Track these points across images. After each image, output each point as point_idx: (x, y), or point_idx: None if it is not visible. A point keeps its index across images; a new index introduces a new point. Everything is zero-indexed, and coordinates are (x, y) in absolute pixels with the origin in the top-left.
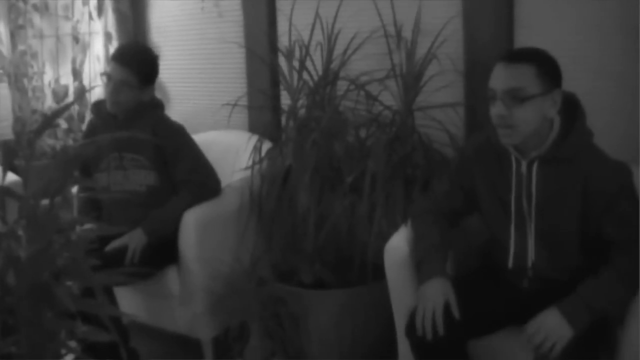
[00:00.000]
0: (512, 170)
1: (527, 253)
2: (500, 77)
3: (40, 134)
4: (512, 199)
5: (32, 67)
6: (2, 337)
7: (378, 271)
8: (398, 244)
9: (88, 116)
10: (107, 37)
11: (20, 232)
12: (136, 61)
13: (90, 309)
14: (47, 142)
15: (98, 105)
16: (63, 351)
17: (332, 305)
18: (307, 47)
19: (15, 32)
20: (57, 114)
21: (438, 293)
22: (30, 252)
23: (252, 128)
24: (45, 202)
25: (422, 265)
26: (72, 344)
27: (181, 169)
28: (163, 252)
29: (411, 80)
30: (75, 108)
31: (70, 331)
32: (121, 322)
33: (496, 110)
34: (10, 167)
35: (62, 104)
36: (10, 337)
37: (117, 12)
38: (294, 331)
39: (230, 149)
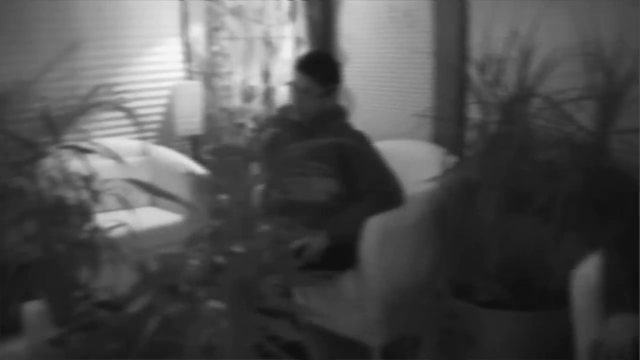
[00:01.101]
0: None
1: None
2: None
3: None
4: None
5: (223, 67)
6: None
7: (560, 297)
8: (588, 272)
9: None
10: (297, 41)
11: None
12: (319, 69)
13: (288, 307)
14: (233, 139)
15: (283, 111)
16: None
17: (509, 327)
18: (502, 61)
19: (211, 34)
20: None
21: (628, 329)
22: (242, 248)
23: (435, 140)
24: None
25: (612, 296)
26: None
27: (366, 177)
28: (341, 256)
29: (610, 102)
30: (262, 109)
31: (263, 328)
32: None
33: None
34: (198, 160)
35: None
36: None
37: (309, 17)
38: (467, 349)
39: (411, 160)
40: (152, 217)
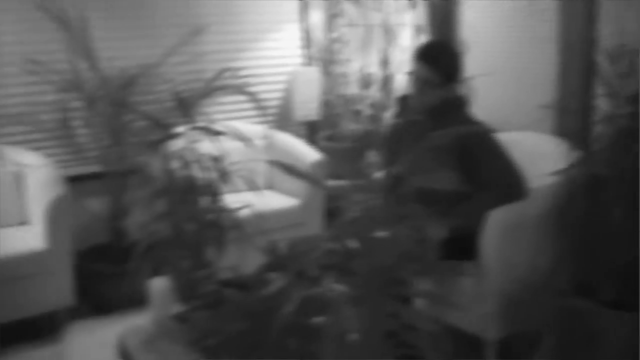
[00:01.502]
0: None
1: None
2: None
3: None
4: None
5: (341, 54)
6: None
7: None
8: None
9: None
10: (417, 29)
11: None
12: (440, 59)
13: (425, 295)
14: (350, 126)
15: (404, 100)
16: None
17: (632, 329)
18: (637, 52)
19: (330, 20)
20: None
21: None
22: (385, 233)
23: (558, 132)
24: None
25: None
26: None
27: (488, 169)
28: (461, 248)
29: None
30: (380, 96)
31: (396, 315)
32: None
33: None
34: (315, 145)
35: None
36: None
37: (430, 5)
38: (587, 350)
39: (534, 153)
40: (270, 199)
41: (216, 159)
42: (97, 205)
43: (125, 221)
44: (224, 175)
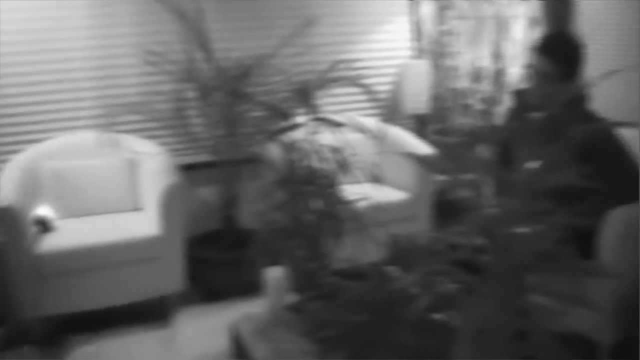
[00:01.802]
0: None
1: None
2: None
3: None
4: None
5: (452, 46)
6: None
7: None
8: None
9: (505, 100)
10: (531, 21)
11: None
12: (562, 52)
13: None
14: (460, 120)
15: (520, 95)
16: None
17: None
18: None
19: (440, 12)
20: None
21: None
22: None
23: None
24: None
25: None
26: None
27: (611, 167)
28: (579, 247)
29: None
30: (491, 90)
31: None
32: None
33: None
34: (424, 139)
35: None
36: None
37: None
38: None
39: None
40: (380, 192)
41: (336, 150)
42: (208, 193)
43: (236, 209)
44: (344, 167)
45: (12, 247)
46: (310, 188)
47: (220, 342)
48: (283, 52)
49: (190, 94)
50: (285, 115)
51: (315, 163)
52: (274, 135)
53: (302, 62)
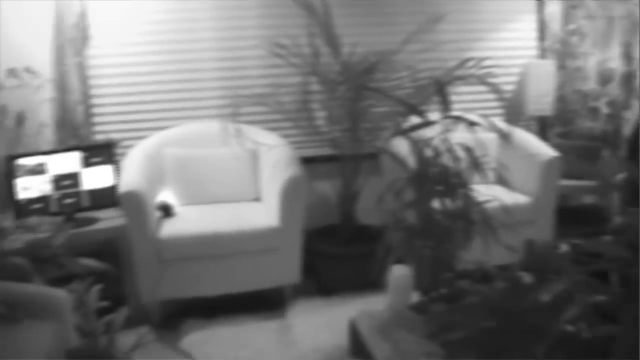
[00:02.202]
0: None
1: None
2: None
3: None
4: None
5: (579, 47)
6: None
7: None
8: None
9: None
10: None
11: None
12: None
13: None
14: (586, 124)
15: None
16: None
17: None
18: None
19: (567, 11)
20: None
21: None
22: None
23: None
24: None
25: None
26: None
27: None
28: None
29: None
30: (620, 93)
31: None
32: None
33: None
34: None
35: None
36: None
37: None
38: None
39: None
40: (501, 195)
41: (468, 149)
42: (327, 187)
43: (355, 205)
44: (476, 167)
45: (136, 230)
46: (441, 187)
47: (335, 337)
48: (408, 49)
49: (315, 88)
50: (419, 112)
51: (447, 162)
52: (405, 131)
53: (427, 59)
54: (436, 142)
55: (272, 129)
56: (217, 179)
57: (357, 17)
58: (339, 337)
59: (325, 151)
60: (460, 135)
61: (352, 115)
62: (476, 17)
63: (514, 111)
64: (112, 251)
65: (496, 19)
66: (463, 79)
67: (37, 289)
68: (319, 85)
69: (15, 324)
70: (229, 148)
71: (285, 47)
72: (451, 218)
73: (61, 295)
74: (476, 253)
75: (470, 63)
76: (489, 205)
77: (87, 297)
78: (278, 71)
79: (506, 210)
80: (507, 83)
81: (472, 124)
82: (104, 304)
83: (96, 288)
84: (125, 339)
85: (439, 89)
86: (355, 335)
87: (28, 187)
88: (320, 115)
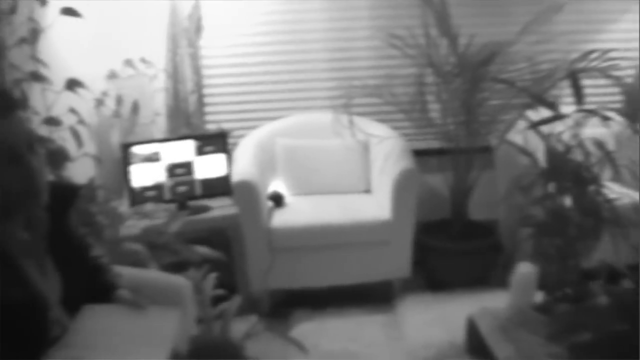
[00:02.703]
0: None
1: None
2: None
3: None
4: None
5: None
6: None
7: None
8: None
9: None
10: None
11: None
12: None
13: None
14: None
15: None
16: None
17: None
18: None
19: None
20: None
21: None
22: None
23: None
24: None
25: None
26: None
27: None
28: None
29: None
30: None
31: None
32: None
33: None
34: None
35: None
36: None
37: None
38: None
39: None
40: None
41: (601, 145)
42: (437, 180)
43: (467, 199)
44: (609, 163)
45: (248, 220)
46: (570, 183)
47: (446, 334)
48: (525, 39)
49: (430, 79)
50: (550, 105)
51: (579, 157)
52: (535, 124)
53: (544, 50)
54: (566, 136)
55: (383, 121)
56: (327, 170)
57: (473, 7)
58: (450, 334)
59: (436, 144)
60: (589, 130)
61: (468, 108)
62: (595, 7)
63: (635, 106)
64: (221, 240)
65: (615, 10)
66: (586, 72)
67: (159, 275)
68: (434, 77)
69: (140, 310)
70: (340, 139)
71: (401, 38)
72: (582, 215)
73: (183, 282)
74: (603, 253)
75: (593, 55)
76: (619, 203)
77: (204, 285)
78: (392, 62)
79: (637, 208)
80: (627, 76)
81: (605, 118)
82: (220, 292)
83: (212, 276)
84: (235, 327)
85: (573, 81)
86: (473, 333)
87: (143, 175)
88: (434, 107)
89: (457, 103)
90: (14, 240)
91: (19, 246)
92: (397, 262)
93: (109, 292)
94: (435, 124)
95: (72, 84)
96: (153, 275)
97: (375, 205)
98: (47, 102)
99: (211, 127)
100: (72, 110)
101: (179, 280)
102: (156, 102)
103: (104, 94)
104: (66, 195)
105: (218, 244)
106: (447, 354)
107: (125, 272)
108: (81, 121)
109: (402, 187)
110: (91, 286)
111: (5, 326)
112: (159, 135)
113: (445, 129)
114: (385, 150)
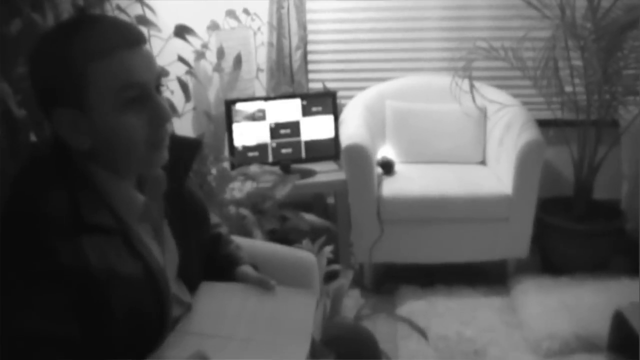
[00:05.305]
0: None
1: None
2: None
3: None
4: None
5: None
6: None
7: None
8: None
9: None
10: None
11: None
12: None
13: None
14: None
15: None
16: None
17: None
18: None
19: None
20: None
21: None
22: None
23: None
24: None
25: None
26: None
27: None
28: None
29: None
30: None
31: None
32: None
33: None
34: None
35: None
36: None
37: None
38: None
39: None
40: None
41: None
42: (559, 155)
43: (593, 177)
44: None
45: (358, 187)
46: None
47: (569, 325)
48: None
49: (563, 44)
50: None
51: None
52: None
53: None
54: None
55: (501, 87)
56: (440, 138)
57: None
58: (576, 325)
59: (559, 114)
60: None
61: (603, 77)
62: None
63: None
64: (321, 206)
65: None
66: None
67: (284, 249)
68: (569, 41)
69: (269, 291)
70: (455, 104)
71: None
72: None
73: (312, 259)
74: None
75: None
76: None
77: (319, 259)
78: (515, 23)
79: None
80: None
81: None
82: (336, 267)
83: (328, 249)
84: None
85: None
86: (622, 329)
87: (245, 134)
88: (564, 74)
89: (591, 71)
90: (130, 202)
91: (134, 210)
92: (515, 241)
93: (231, 268)
94: (564, 92)
95: (181, 31)
96: (277, 248)
97: (494, 179)
98: (154, 50)
99: (314, 87)
100: (181, 60)
101: (309, 257)
102: (259, 57)
103: (204, 46)
104: (186, 151)
105: (318, 211)
106: (575, 348)
107: (245, 244)
108: (190, 72)
109: (526, 160)
110: (210, 259)
111: (118, 306)
112: (260, 92)
113: (575, 98)
114: (506, 119)
